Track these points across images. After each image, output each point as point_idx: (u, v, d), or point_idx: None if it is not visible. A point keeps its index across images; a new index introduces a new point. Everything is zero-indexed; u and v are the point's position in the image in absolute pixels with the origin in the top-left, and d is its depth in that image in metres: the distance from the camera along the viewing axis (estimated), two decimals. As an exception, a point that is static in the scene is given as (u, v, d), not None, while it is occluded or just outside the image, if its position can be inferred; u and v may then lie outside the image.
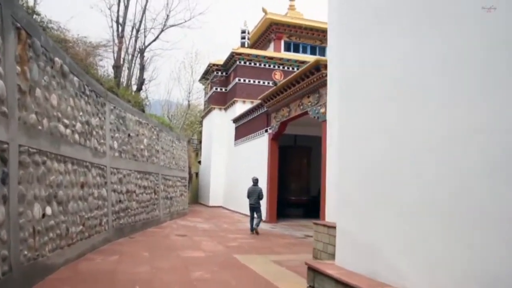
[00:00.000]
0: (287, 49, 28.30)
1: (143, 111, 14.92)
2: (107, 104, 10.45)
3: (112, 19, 14.49)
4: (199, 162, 34.53)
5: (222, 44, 51.10)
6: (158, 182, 15.46)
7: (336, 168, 6.22)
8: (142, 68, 17.54)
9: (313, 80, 13.75)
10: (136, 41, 16.35)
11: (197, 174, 35.61)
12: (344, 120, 5.74)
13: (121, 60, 15.26)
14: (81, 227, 8.06)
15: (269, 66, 26.53)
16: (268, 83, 25.69)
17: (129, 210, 11.94)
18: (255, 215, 13.81)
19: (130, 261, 8.16)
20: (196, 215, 20.75)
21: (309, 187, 21.70)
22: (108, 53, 12.95)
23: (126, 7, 15.04)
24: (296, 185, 21.51)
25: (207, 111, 30.77)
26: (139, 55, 17.12)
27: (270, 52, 27.68)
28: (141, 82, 17.39)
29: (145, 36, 17.89)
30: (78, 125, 8.08)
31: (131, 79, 16.56)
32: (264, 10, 27.54)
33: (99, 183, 9.42)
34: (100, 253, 8.80)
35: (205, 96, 32.03)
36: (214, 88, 28.84)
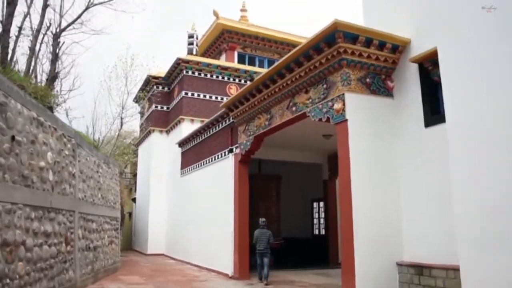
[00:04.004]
0: (241, 62, 23.83)
1: (51, 110, 9.37)
2: (-46, 62, 5.00)
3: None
4: (133, 200, 28.40)
5: (165, 54, 45.73)
6: (74, 224, 9.75)
7: None
8: (56, 58, 12.03)
9: (320, 61, 9.00)
10: (44, 10, 10.84)
11: (130, 214, 29.44)
12: None
13: (17, 29, 9.76)
14: None
15: (223, 78, 21.70)
16: (222, 98, 20.75)
17: (7, 281, 6.24)
18: (264, 262, 11.64)
19: None
20: (132, 270, 14.84)
21: (279, 227, 16.64)
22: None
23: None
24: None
25: (144, 135, 25.08)
26: (51, 37, 11.62)
27: (224, 61, 22.92)
28: (53, 76, 11.81)
29: (60, 16, 12.47)
30: None
31: (35, 66, 10.92)
32: (215, 13, 22.99)
33: None
34: None
35: (141, 119, 26.34)
36: (153, 106, 23.36)
